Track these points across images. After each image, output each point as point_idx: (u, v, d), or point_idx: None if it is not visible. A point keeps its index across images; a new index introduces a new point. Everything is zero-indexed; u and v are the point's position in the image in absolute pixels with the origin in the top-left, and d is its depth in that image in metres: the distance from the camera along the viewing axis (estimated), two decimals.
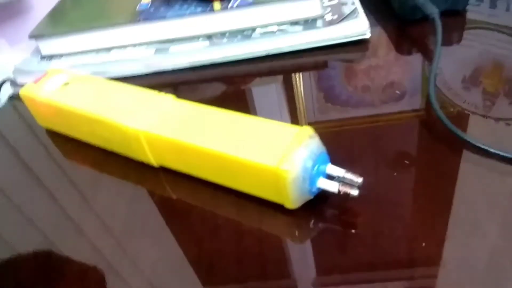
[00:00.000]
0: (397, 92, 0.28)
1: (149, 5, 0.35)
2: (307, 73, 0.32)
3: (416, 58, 0.31)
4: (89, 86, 0.28)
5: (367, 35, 0.33)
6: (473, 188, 0.21)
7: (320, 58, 0.33)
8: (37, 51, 0.37)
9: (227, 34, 0.34)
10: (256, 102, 0.30)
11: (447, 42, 0.32)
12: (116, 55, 0.35)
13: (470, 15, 0.34)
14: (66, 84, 0.28)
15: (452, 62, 0.30)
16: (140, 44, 0.35)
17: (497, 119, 0.25)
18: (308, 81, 0.31)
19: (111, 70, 0.34)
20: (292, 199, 0.20)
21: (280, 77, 0.32)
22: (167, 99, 0.25)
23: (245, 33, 0.34)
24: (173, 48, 0.34)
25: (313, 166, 0.20)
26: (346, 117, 0.27)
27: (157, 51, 0.34)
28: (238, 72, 0.33)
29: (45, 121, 0.30)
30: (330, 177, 0.20)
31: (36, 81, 0.29)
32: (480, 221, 0.19)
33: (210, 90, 0.32)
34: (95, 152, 0.27)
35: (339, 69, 0.31)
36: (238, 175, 0.22)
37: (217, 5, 0.33)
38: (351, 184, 0.20)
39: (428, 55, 0.31)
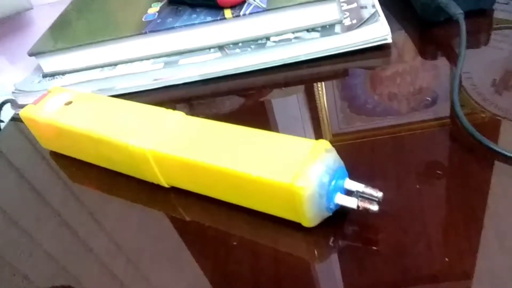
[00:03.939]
0: (428, 98, 0.29)
1: (156, 15, 0.38)
2: (329, 82, 0.33)
3: (442, 62, 0.33)
4: (93, 104, 0.30)
5: (389, 40, 0.34)
6: (502, 200, 0.22)
7: (339, 66, 0.35)
8: (38, 69, 0.40)
9: (239, 44, 0.36)
10: (277, 114, 0.32)
11: (473, 44, 0.33)
12: (123, 70, 0.37)
13: (498, 15, 0.35)
14: (68, 103, 0.30)
15: (481, 65, 0.31)
16: (147, 58, 0.37)
17: None
18: (331, 91, 0.33)
19: (117, 86, 0.37)
20: (309, 217, 0.22)
21: (301, 88, 0.34)
22: (176, 115, 0.27)
23: (259, 42, 0.36)
24: (183, 60, 0.36)
25: (330, 182, 0.21)
26: (371, 128, 0.29)
27: (166, 64, 0.36)
28: (253, 83, 0.35)
29: (48, 143, 0.32)
30: (349, 193, 0.22)
31: (36, 102, 0.31)
32: (508, 235, 0.21)
33: (227, 104, 0.34)
34: (102, 174, 0.30)
35: (363, 77, 0.33)
36: (252, 194, 0.23)
37: (228, 13, 0.36)
38: (370, 199, 0.21)
39: (454, 59, 0.32)
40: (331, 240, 0.22)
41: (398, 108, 0.29)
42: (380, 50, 0.35)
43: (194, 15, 0.37)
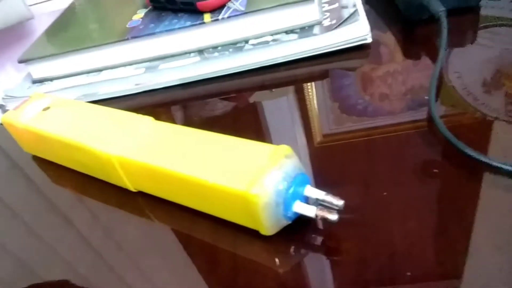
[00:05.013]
0: (426, 97, 0.28)
1: (140, 21, 0.37)
2: (319, 84, 0.32)
3: (425, 62, 0.31)
4: (69, 110, 0.29)
5: (368, 40, 0.33)
6: (476, 208, 0.21)
7: (318, 67, 0.33)
8: (29, 75, 0.39)
9: (219, 48, 0.35)
10: (267, 117, 0.31)
11: (459, 42, 0.31)
12: (106, 76, 0.36)
13: (486, 12, 0.34)
14: (46, 109, 0.29)
15: (471, 65, 0.29)
16: (130, 63, 0.36)
17: None
18: (321, 92, 0.31)
19: (100, 91, 0.36)
20: (266, 225, 0.20)
21: (290, 89, 0.32)
22: (145, 121, 0.26)
23: (237, 45, 0.35)
24: (163, 65, 0.35)
25: (288, 189, 0.20)
26: (361, 128, 0.27)
27: (147, 69, 0.35)
28: (232, 86, 0.34)
29: (28, 147, 0.32)
30: (310, 200, 0.21)
31: (16, 108, 0.31)
32: (481, 246, 0.19)
33: (218, 107, 0.33)
34: (77, 177, 0.29)
35: (351, 78, 0.31)
36: (211, 200, 0.22)
37: (207, 17, 0.34)
38: (331, 208, 0.20)
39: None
40: (292, 248, 0.21)
41: (380, 109, 0.28)
42: (361, 50, 0.33)
43: (175, 20, 0.36)
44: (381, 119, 0.27)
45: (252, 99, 0.32)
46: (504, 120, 0.25)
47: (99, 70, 0.37)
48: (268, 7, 0.34)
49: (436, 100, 0.27)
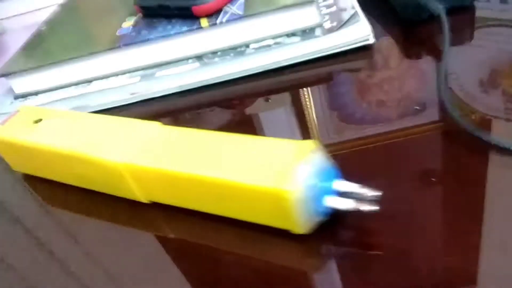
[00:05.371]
0: (417, 108, 0.27)
1: (130, 29, 0.35)
2: (316, 92, 0.31)
3: (427, 62, 0.30)
4: (64, 121, 0.27)
5: (371, 40, 0.32)
6: (506, 198, 0.20)
7: (322, 69, 0.32)
8: (10, 90, 0.37)
9: (218, 53, 0.34)
10: (264, 126, 0.29)
11: (457, 42, 0.31)
12: (98, 86, 0.34)
13: (479, 13, 0.33)
14: (38, 121, 0.27)
15: (467, 65, 0.29)
16: (123, 72, 0.35)
17: None
18: (318, 101, 0.30)
19: (92, 103, 0.34)
20: (299, 223, 0.19)
21: (287, 98, 0.31)
22: (152, 126, 0.24)
23: (238, 50, 0.33)
24: (160, 72, 0.33)
25: (320, 183, 0.19)
26: (362, 136, 0.26)
27: (143, 77, 0.34)
28: (235, 92, 0.32)
29: (19, 165, 0.29)
30: (343, 195, 0.19)
31: (4, 122, 0.28)
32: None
33: (212, 118, 0.31)
34: (78, 194, 0.26)
35: (350, 85, 0.30)
36: (237, 202, 0.20)
37: (204, 22, 0.33)
38: (367, 200, 0.19)
39: (439, 57, 0.30)
40: (327, 247, 0.19)
41: (387, 114, 0.27)
42: (363, 51, 0.32)
43: (170, 26, 0.34)
44: (388, 124, 0.26)
45: (251, 106, 0.31)
46: (503, 119, 0.24)
47: (89, 81, 0.35)
48: (266, 11, 0.33)
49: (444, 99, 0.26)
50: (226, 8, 0.34)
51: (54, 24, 0.41)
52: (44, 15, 0.44)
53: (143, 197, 0.24)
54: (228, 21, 0.33)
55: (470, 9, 0.34)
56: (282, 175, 0.18)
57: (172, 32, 0.33)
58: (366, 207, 0.18)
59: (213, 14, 0.34)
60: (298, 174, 0.18)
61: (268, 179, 0.19)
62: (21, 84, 0.36)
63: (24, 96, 0.36)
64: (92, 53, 0.34)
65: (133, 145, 0.23)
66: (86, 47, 0.35)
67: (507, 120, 0.24)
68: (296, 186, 0.18)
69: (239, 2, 0.35)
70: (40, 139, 0.26)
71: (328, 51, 0.32)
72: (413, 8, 0.33)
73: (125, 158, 0.23)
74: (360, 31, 0.32)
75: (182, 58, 0.34)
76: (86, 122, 0.26)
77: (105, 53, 0.34)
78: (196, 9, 0.33)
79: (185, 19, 0.34)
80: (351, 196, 0.19)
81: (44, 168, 0.27)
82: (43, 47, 0.37)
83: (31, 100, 0.35)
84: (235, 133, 0.22)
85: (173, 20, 0.35)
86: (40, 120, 0.27)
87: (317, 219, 0.19)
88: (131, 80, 0.34)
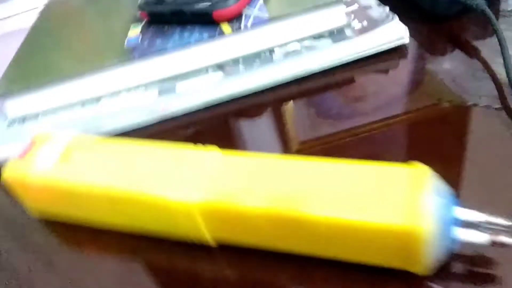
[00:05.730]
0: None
1: (140, 39, 0.32)
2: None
3: (467, 56, 0.29)
4: (101, 152, 0.23)
5: (406, 40, 0.30)
6: None
7: (353, 72, 0.30)
8: (2, 114, 0.32)
9: (240, 61, 0.31)
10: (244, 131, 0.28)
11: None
12: (108, 104, 0.30)
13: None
14: (68, 153, 0.23)
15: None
16: (136, 87, 0.31)
17: None
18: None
19: (105, 125, 0.30)
20: (425, 262, 0.17)
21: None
22: (212, 154, 0.21)
23: (262, 57, 0.31)
24: (181, 86, 0.30)
25: (447, 214, 0.17)
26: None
27: (162, 92, 0.30)
28: (260, 101, 0.30)
29: (42, 207, 0.25)
30: (468, 225, 0.17)
31: (22, 156, 0.24)
32: None
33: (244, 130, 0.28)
34: (120, 238, 0.23)
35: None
36: (343, 242, 0.18)
37: (226, 28, 0.30)
38: (499, 230, 0.17)
39: (474, 51, 0.29)
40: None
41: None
42: (395, 51, 0.31)
43: (186, 33, 0.31)
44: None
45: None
46: None
47: (98, 99, 0.31)
48: (294, 12, 0.30)
49: None
50: (246, 12, 0.31)
51: (43, 35, 0.36)
52: (22, 20, 0.39)
53: (212, 239, 0.21)
54: (254, 25, 0.30)
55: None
56: (408, 209, 0.16)
57: (192, 40, 0.30)
58: (506, 239, 0.16)
59: (233, 18, 0.31)
60: (425, 206, 0.16)
61: (391, 214, 0.17)
62: (16, 106, 0.31)
63: (22, 120, 0.31)
64: (101, 68, 0.30)
65: (199, 179, 0.20)
66: (92, 61, 0.31)
67: None
68: (428, 220, 0.16)
69: (258, 3, 0.32)
70: (78, 176, 0.22)
71: (363, 53, 0.30)
72: (446, 3, 0.31)
73: (197, 197, 0.20)
74: (395, 31, 0.30)
75: (203, 68, 0.30)
76: (129, 153, 0.23)
77: (116, 66, 0.30)
78: (217, 14, 0.30)
79: (202, 25, 0.31)
80: (480, 227, 0.17)
81: (78, 211, 0.24)
82: (39, 62, 0.32)
83: (30, 124, 0.31)
84: (322, 158, 0.20)
85: (188, 27, 0.31)
86: (70, 151, 0.23)
87: (444, 256, 0.17)
88: (148, 96, 0.30)
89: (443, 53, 0.30)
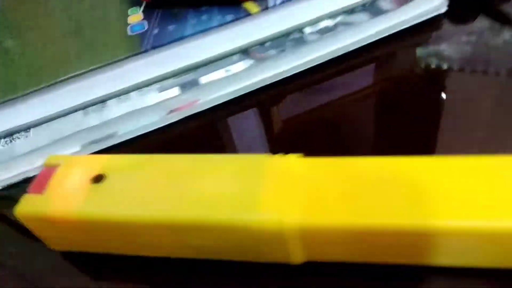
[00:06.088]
0: None
1: (146, 24, 0.27)
2: None
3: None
4: (143, 173, 0.19)
5: (443, 9, 0.28)
6: None
7: (392, 46, 0.27)
8: None
9: (267, 44, 0.27)
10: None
11: None
12: (118, 107, 0.25)
13: None
14: (98, 179, 0.18)
15: None
16: (149, 83, 0.26)
17: None
18: None
19: (119, 131, 0.25)
20: None
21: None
22: (291, 161, 0.18)
23: (291, 37, 0.27)
24: (205, 78, 0.26)
25: None
26: None
27: (183, 87, 0.25)
28: (292, 87, 0.26)
29: (69, 243, 0.20)
30: None
31: (35, 189, 0.19)
32: None
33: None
34: (171, 267, 0.19)
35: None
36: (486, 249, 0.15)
37: (252, 7, 0.26)
38: None
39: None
40: None
41: None
42: (431, 22, 0.28)
43: (204, 17, 0.26)
44: None
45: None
46: None
47: (103, 101, 0.26)
48: None
49: None
50: None
51: (19, 29, 0.30)
52: None
53: (300, 258, 0.17)
54: (283, 2, 0.26)
55: None
56: None
57: (214, 24, 0.25)
58: None
59: None
60: None
61: None
62: (3, 119, 0.25)
63: (10, 135, 0.25)
64: (106, 64, 0.25)
65: (284, 195, 0.17)
66: (91, 57, 0.25)
67: None
68: None
69: None
70: (122, 209, 0.18)
71: (401, 26, 0.27)
72: None
73: (291, 217, 0.16)
74: (432, 1, 0.27)
75: (229, 55, 0.26)
76: (182, 170, 0.19)
77: (127, 62, 0.25)
78: None
79: (221, 6, 0.26)
80: None
81: (121, 246, 0.19)
82: (22, 63, 0.27)
83: (22, 140, 0.25)
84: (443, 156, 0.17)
85: (203, 9, 0.27)
86: (102, 177, 0.19)
87: None
88: (167, 93, 0.25)
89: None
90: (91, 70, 0.25)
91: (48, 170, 0.19)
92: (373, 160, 0.17)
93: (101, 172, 0.19)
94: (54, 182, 0.19)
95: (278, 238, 0.16)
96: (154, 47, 0.25)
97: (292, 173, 0.17)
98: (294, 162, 0.17)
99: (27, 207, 0.18)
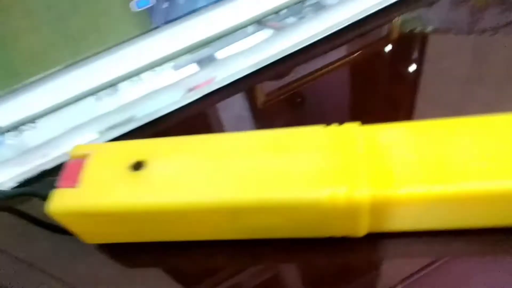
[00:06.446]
0: None
1: (151, 0, 0.24)
2: None
3: None
4: (182, 158, 0.17)
5: None
6: None
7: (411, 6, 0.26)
8: None
9: (283, 12, 0.25)
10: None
11: None
12: (132, 89, 0.24)
13: None
14: (138, 166, 0.17)
15: None
16: (163, 62, 0.24)
17: None
18: None
19: (138, 114, 0.23)
20: None
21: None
22: (351, 132, 0.17)
23: (308, 3, 0.25)
24: (222, 52, 0.24)
25: None
26: None
27: (201, 63, 0.24)
28: (312, 54, 0.25)
29: (101, 235, 0.18)
30: None
31: (67, 182, 0.17)
32: None
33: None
34: (234, 249, 0.18)
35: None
36: None
37: None
38: None
39: None
40: None
41: None
42: None
43: None
44: None
45: None
46: None
47: (113, 84, 0.24)
48: None
49: None
50: None
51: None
52: None
53: (365, 230, 0.17)
54: None
55: None
56: None
57: None
58: None
59: None
60: None
61: None
62: (4, 112, 0.23)
63: (15, 128, 0.23)
64: (115, 45, 0.23)
65: (353, 165, 0.15)
66: (95, 39, 0.23)
67: None
68: None
69: None
70: (169, 196, 0.16)
71: None
72: None
73: (363, 190, 0.15)
74: None
75: (244, 26, 0.25)
76: (222, 150, 0.17)
77: (137, 40, 0.23)
78: None
79: None
80: None
81: (166, 233, 0.18)
82: (20, 48, 0.24)
83: (30, 131, 0.23)
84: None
85: None
86: (141, 164, 0.17)
87: None
88: (184, 70, 0.24)
89: None
90: (99, 51, 0.23)
91: (77, 162, 0.18)
92: (431, 123, 0.16)
93: (139, 159, 0.17)
94: (88, 173, 0.17)
95: (350, 212, 0.15)
96: (167, 22, 0.23)
97: (354, 142, 0.16)
98: (354, 130, 0.16)
99: (61, 203, 0.16)
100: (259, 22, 0.25)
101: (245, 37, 0.24)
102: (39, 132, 0.23)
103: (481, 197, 0.15)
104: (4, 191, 0.20)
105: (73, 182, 0.17)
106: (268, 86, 0.24)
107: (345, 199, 0.15)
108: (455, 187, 0.14)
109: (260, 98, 0.24)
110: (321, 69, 0.24)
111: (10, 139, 0.23)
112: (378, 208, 0.15)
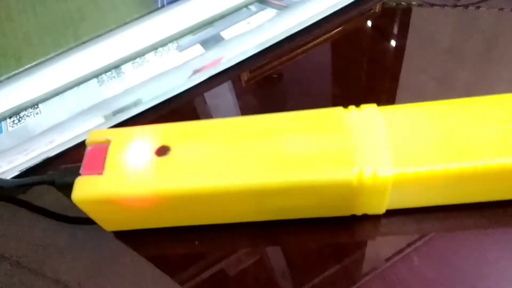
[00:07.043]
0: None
1: None
2: None
3: None
4: (206, 141, 0.17)
5: None
6: None
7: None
8: None
9: None
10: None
11: None
12: (136, 72, 0.23)
13: None
14: (165, 152, 0.17)
15: None
16: (165, 43, 0.24)
17: None
18: None
19: (144, 98, 0.23)
20: None
21: None
22: (370, 113, 0.17)
23: None
24: (227, 32, 0.24)
25: None
26: None
27: (207, 44, 0.24)
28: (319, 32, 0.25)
29: (123, 223, 0.18)
30: None
31: (90, 169, 0.17)
32: None
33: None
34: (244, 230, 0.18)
35: None
36: None
37: None
38: None
39: None
40: None
41: None
42: None
43: None
44: None
45: None
46: None
47: (117, 66, 0.23)
48: None
49: None
50: None
51: None
52: None
53: (384, 209, 0.17)
54: None
55: None
56: None
57: None
58: None
59: None
60: None
61: None
62: (7, 96, 0.22)
63: (16, 114, 0.23)
64: (117, 26, 0.22)
65: (373, 146, 0.16)
66: (99, 21, 0.23)
67: None
68: None
69: None
70: (196, 180, 0.16)
71: None
72: None
73: (388, 169, 0.15)
74: None
75: (246, 4, 0.24)
76: (245, 133, 0.17)
77: (140, 21, 0.23)
78: None
79: None
80: None
81: (183, 216, 0.18)
82: (20, 34, 0.23)
83: (33, 118, 0.22)
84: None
85: None
86: (166, 149, 0.17)
87: None
88: (187, 54, 0.23)
89: None
90: (100, 33, 0.22)
91: (97, 148, 0.17)
92: (445, 102, 0.17)
93: (162, 144, 0.17)
94: (112, 159, 0.17)
95: (376, 190, 0.16)
96: (170, 2, 0.23)
97: (374, 123, 0.16)
98: (373, 112, 0.17)
99: (88, 191, 0.16)
100: (262, 0, 0.25)
101: (249, 16, 0.24)
102: (43, 118, 0.22)
103: (497, 172, 0.15)
104: (17, 180, 0.19)
105: (97, 169, 0.17)
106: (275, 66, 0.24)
107: (372, 178, 0.15)
108: (472, 164, 0.15)
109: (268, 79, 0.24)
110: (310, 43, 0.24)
111: (12, 125, 0.22)
112: (400, 186, 0.16)
